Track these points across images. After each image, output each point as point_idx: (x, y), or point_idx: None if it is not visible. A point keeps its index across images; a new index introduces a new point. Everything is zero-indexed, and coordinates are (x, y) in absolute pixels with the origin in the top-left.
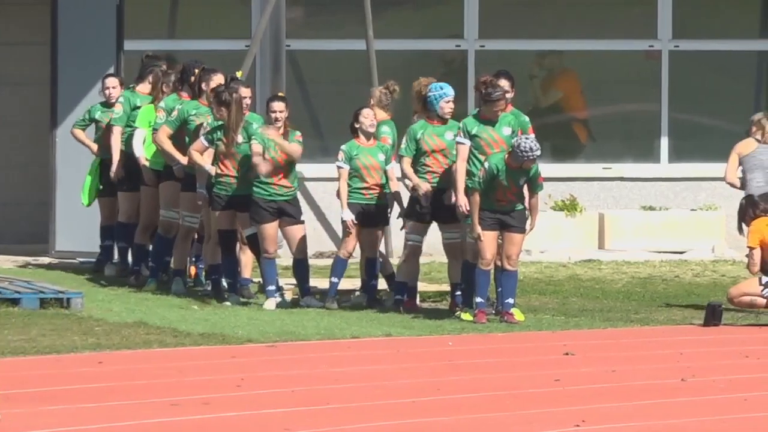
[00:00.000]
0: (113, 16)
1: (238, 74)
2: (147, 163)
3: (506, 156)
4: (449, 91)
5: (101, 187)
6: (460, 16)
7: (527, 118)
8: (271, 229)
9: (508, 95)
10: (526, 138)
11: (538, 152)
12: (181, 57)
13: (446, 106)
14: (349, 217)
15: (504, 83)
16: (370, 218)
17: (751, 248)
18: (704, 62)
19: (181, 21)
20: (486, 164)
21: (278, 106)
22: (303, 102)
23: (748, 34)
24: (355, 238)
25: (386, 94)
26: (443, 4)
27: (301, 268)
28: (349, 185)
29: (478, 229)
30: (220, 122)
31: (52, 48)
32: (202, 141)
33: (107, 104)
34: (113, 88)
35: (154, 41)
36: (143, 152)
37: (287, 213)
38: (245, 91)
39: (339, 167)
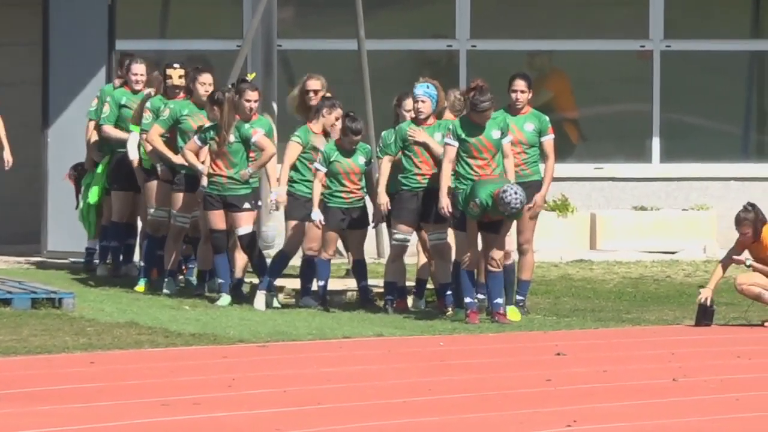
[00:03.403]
0: (105, 16)
1: (249, 76)
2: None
3: (495, 192)
4: (416, 91)
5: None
6: (451, 16)
7: (547, 118)
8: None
9: (524, 95)
10: (515, 192)
11: (515, 209)
12: (173, 57)
13: (413, 106)
14: (318, 217)
15: (520, 84)
16: (351, 221)
17: None
18: (696, 62)
19: (173, 21)
20: (477, 199)
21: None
22: None
23: (739, 34)
24: (333, 239)
25: (460, 100)
26: (434, 4)
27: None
28: (328, 188)
29: (471, 257)
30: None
31: (43, 48)
32: (195, 141)
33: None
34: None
35: (146, 41)
36: (137, 155)
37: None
38: (252, 94)
39: (317, 169)
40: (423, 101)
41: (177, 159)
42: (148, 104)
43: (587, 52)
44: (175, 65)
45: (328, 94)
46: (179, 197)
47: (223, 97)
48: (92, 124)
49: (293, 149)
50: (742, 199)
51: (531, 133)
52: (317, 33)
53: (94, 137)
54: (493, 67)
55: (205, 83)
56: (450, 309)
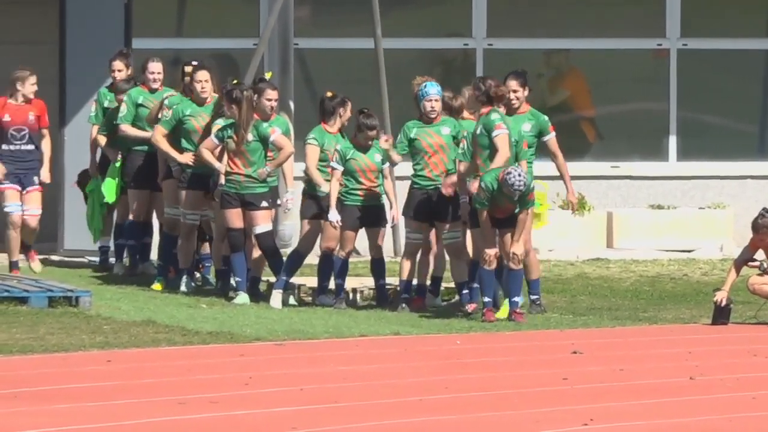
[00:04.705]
0: (121, 15)
1: (267, 75)
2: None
3: (500, 175)
4: (430, 89)
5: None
6: (468, 14)
7: (546, 118)
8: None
9: (516, 95)
10: (519, 174)
11: (519, 191)
12: (189, 56)
13: (427, 105)
14: (335, 218)
15: (512, 83)
16: (369, 219)
17: None
18: (712, 61)
19: (189, 19)
20: (482, 183)
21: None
22: (311, 101)
23: (756, 33)
24: (350, 238)
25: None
26: (451, 3)
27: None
28: (345, 185)
29: (492, 252)
30: (231, 120)
31: (60, 47)
32: (212, 139)
33: (112, 89)
34: (119, 71)
35: (162, 40)
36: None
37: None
38: (272, 93)
39: (333, 168)
40: (437, 100)
41: (182, 158)
42: (166, 102)
43: (604, 51)
44: (193, 62)
45: (329, 94)
46: (185, 195)
47: (241, 95)
48: (95, 129)
49: (313, 151)
50: (759, 198)
51: (528, 134)
52: (334, 31)
53: (104, 140)
54: (509, 66)
55: (201, 80)
56: (469, 307)
